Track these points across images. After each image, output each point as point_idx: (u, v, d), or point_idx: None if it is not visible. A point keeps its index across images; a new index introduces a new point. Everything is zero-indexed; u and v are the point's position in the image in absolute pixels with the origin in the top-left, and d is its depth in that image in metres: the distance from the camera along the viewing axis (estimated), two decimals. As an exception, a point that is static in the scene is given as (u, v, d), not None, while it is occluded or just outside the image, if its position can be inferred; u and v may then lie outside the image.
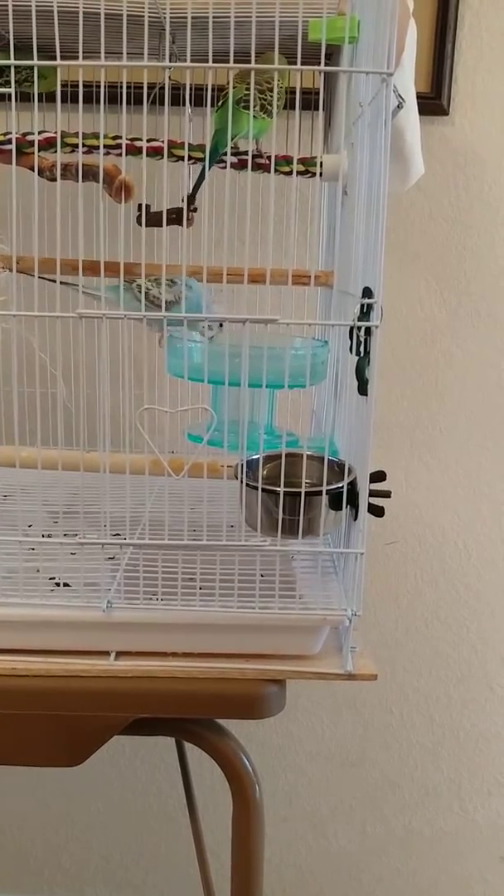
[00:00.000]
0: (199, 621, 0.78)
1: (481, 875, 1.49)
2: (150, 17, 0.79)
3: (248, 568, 0.79)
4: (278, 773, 1.45)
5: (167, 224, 0.93)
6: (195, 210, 0.92)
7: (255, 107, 0.87)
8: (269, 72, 0.86)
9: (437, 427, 1.33)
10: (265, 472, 0.81)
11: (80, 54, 0.73)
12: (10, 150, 0.82)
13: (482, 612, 1.39)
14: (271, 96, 0.88)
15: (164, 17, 0.89)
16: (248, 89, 0.86)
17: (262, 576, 0.79)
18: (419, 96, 1.13)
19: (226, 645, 0.79)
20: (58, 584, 0.82)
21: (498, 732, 1.44)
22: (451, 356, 1.31)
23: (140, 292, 0.86)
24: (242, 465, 0.80)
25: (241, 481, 0.79)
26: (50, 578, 0.82)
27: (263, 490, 0.77)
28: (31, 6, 0.67)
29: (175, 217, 0.92)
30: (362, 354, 0.71)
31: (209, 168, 0.89)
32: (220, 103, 0.89)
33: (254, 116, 0.88)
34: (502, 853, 1.48)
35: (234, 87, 0.86)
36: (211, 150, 0.88)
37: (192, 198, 0.93)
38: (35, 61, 0.69)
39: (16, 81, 0.71)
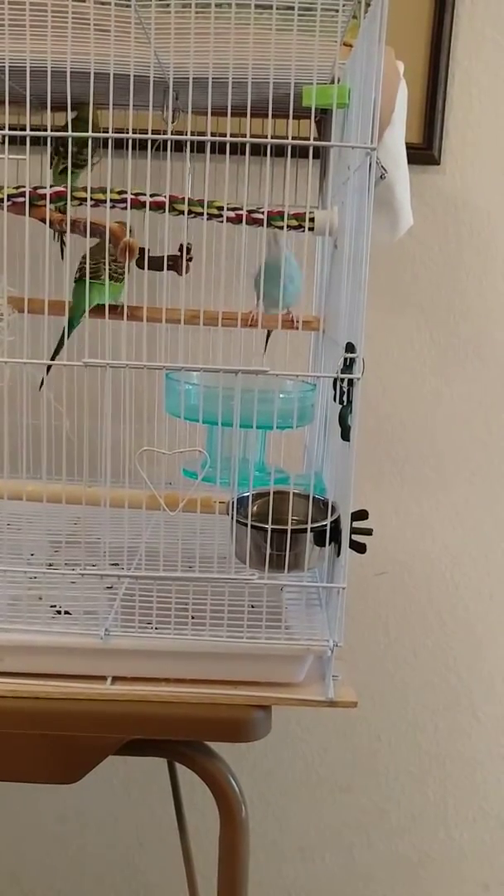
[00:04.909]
0: (191, 649, 0.82)
1: (466, 901, 1.52)
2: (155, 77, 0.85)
3: (237, 599, 0.83)
4: (269, 798, 1.49)
5: (166, 269, 0.98)
6: (191, 259, 0.97)
7: (106, 276, 0.90)
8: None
9: (426, 463, 1.38)
10: (255, 509, 0.86)
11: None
12: (24, 203, 0.87)
13: (468, 642, 1.43)
14: (121, 263, 0.94)
15: (169, 77, 0.95)
16: (97, 262, 0.93)
17: (251, 606, 0.83)
18: (412, 147, 1.19)
19: (215, 672, 0.83)
20: (59, 612, 0.86)
21: (483, 760, 1.48)
22: (440, 395, 1.36)
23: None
24: (233, 502, 0.85)
25: (232, 518, 0.84)
26: (51, 606, 0.87)
27: (252, 527, 0.82)
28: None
29: (172, 264, 0.98)
30: (345, 404, 0.77)
31: (67, 337, 0.93)
32: (76, 277, 0.96)
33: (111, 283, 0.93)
34: (486, 880, 1.51)
35: (89, 261, 0.94)
36: (69, 322, 0.92)
37: (189, 247, 0.99)
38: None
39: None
